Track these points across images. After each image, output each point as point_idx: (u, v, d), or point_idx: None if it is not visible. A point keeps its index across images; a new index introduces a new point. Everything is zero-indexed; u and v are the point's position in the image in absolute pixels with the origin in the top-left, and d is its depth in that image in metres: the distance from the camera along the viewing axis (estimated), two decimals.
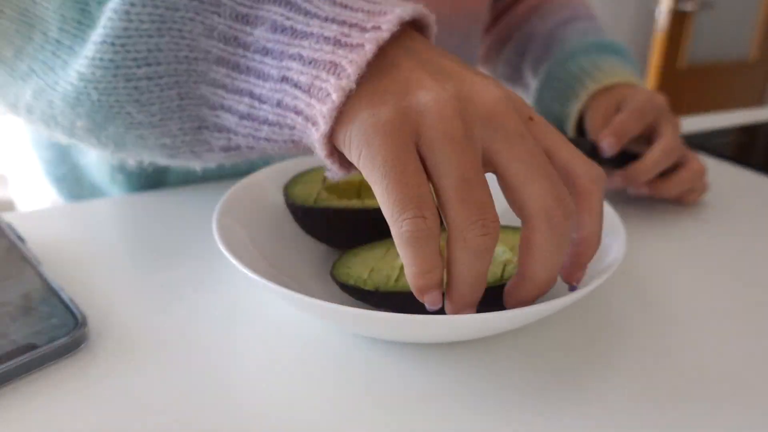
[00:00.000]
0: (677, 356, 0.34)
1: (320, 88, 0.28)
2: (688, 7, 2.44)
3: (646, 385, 0.32)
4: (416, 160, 0.27)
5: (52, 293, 0.36)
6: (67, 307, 0.34)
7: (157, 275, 0.40)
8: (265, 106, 0.30)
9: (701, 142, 0.70)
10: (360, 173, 0.29)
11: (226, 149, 0.33)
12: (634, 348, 0.35)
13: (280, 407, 0.30)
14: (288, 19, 0.28)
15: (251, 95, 0.30)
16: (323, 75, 0.28)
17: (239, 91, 0.30)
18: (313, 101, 0.28)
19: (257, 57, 0.29)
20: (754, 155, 0.68)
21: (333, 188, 0.42)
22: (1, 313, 0.34)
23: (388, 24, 0.28)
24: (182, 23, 0.29)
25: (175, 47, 0.30)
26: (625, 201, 0.53)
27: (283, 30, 0.29)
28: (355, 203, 0.39)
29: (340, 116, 0.28)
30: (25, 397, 0.30)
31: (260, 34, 0.29)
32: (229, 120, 0.31)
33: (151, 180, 0.55)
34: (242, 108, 0.30)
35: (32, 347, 0.31)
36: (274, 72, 0.29)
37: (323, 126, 0.28)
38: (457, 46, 0.60)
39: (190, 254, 0.43)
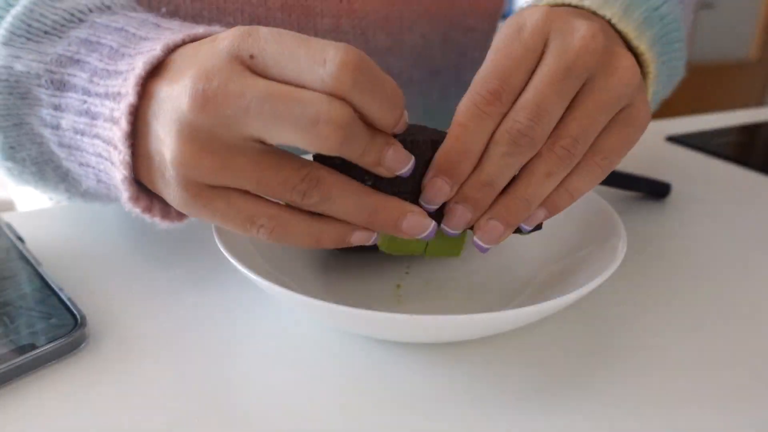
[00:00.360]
0: (677, 356, 0.34)
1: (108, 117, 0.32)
2: None
3: (646, 385, 0.32)
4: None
5: (51, 293, 0.36)
6: (67, 307, 0.34)
7: (157, 275, 0.40)
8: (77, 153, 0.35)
9: (701, 142, 0.70)
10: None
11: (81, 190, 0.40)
12: (633, 348, 0.35)
13: (280, 407, 0.30)
14: (83, 102, 0.33)
15: (74, 151, 0.36)
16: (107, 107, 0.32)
17: (76, 158, 0.36)
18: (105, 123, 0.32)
19: (72, 135, 0.35)
20: (754, 155, 0.68)
21: None
22: (1, 314, 0.34)
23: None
24: (26, 118, 0.36)
25: (30, 137, 0.37)
26: (625, 200, 0.53)
27: (79, 112, 0.34)
28: None
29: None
30: (25, 397, 0.30)
31: (69, 117, 0.34)
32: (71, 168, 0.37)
33: None
34: (69, 160, 0.36)
35: (32, 347, 0.31)
36: (87, 144, 0.34)
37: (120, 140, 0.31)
38: (477, 42, 0.60)
39: (190, 254, 0.43)
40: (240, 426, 0.29)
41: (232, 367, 0.32)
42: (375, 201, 0.30)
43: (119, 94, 0.31)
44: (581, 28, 0.31)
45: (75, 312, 0.34)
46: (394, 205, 0.30)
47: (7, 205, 0.79)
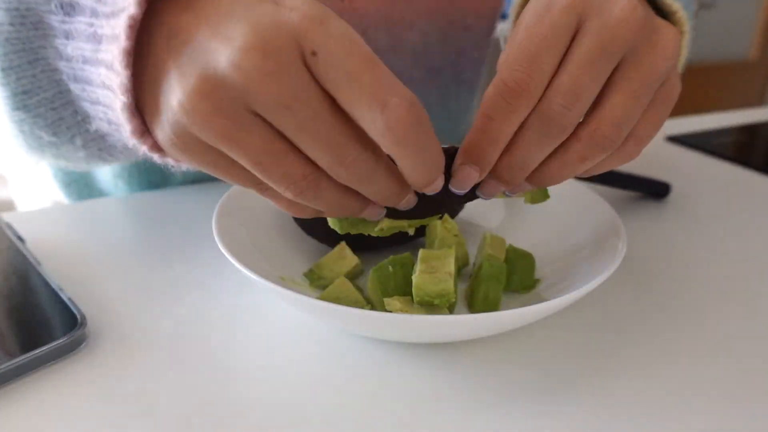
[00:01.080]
0: (676, 356, 0.34)
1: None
2: None
3: (646, 385, 0.32)
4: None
5: (51, 293, 0.35)
6: (67, 307, 0.34)
7: (157, 275, 0.40)
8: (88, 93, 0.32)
9: (701, 142, 0.70)
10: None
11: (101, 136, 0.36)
12: (633, 348, 0.35)
13: (280, 407, 0.30)
14: (90, 26, 0.30)
15: (91, 89, 0.32)
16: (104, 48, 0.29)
17: (87, 94, 0.33)
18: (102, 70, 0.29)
19: (81, 66, 0.32)
20: (754, 155, 0.68)
21: None
22: (1, 313, 0.34)
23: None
24: (42, 53, 0.33)
25: (48, 74, 0.34)
26: (625, 200, 0.53)
27: (87, 37, 0.31)
28: None
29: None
30: (25, 397, 0.30)
31: (78, 44, 0.31)
32: (89, 109, 0.34)
33: (152, 187, 0.56)
34: (95, 110, 0.33)
35: (32, 347, 0.31)
36: (94, 74, 0.31)
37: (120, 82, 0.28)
38: (476, 41, 0.60)
39: (190, 254, 0.43)
40: (239, 425, 0.29)
41: (232, 367, 0.32)
42: (354, 209, 0.30)
43: (123, 9, 0.27)
44: (617, 3, 0.28)
45: (75, 312, 0.34)
46: (357, 206, 0.30)
47: (7, 205, 0.79)
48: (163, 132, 0.27)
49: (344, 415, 0.29)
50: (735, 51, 2.71)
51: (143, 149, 0.29)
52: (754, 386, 0.32)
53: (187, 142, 0.27)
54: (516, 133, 0.29)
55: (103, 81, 0.30)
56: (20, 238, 0.42)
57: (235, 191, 0.40)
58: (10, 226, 0.43)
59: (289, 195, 0.28)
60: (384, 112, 0.24)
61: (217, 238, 0.34)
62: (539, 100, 0.28)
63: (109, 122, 0.32)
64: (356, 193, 0.29)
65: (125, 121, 0.28)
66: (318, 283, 0.38)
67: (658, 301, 0.39)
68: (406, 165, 0.27)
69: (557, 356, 0.34)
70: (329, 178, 0.28)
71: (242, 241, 0.37)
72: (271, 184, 0.28)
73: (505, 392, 0.31)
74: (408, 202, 0.30)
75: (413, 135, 0.25)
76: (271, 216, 0.42)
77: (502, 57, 0.29)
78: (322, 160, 0.26)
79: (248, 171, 0.28)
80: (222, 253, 0.33)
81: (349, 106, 0.25)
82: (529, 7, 0.30)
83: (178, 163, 0.31)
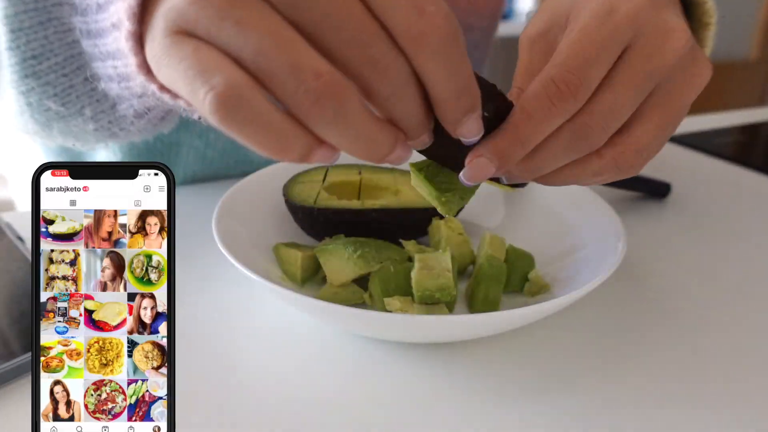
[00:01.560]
0: (676, 356, 0.34)
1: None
2: None
3: (646, 384, 0.32)
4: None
5: None
6: None
7: None
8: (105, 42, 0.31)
9: (701, 142, 0.70)
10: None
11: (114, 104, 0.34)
12: (633, 348, 0.35)
13: (280, 406, 0.30)
14: None
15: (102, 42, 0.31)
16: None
17: (99, 49, 0.32)
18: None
19: (95, 16, 0.31)
20: (754, 155, 0.68)
21: (333, 188, 0.42)
22: (1, 313, 0.34)
23: None
24: (56, 11, 0.32)
25: (59, 36, 0.33)
26: (625, 200, 0.53)
27: None
28: (354, 203, 0.39)
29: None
30: (25, 397, 0.30)
31: None
32: (99, 68, 0.33)
33: None
34: (107, 65, 0.32)
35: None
36: (106, 20, 0.30)
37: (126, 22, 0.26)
38: (476, 41, 0.60)
39: (190, 254, 0.43)
40: (239, 424, 0.29)
41: (231, 367, 0.32)
42: (384, 146, 0.25)
43: None
44: (674, 32, 0.29)
45: None
46: (389, 142, 0.25)
47: (7, 205, 0.79)
48: (157, 33, 0.25)
49: (344, 415, 0.29)
50: (735, 51, 2.71)
51: (152, 88, 0.27)
52: (755, 386, 0.32)
53: (178, 35, 0.24)
54: (543, 140, 0.28)
55: (113, 22, 0.29)
56: (20, 238, 0.42)
57: (235, 191, 0.40)
58: (10, 226, 0.43)
59: (302, 100, 0.23)
60: (422, 17, 0.23)
61: (217, 238, 0.34)
62: (579, 113, 0.28)
63: (120, 78, 0.31)
64: (386, 124, 0.25)
65: (130, 53, 0.27)
66: None
67: (658, 301, 0.39)
68: (439, 80, 0.24)
69: (557, 356, 0.34)
70: (354, 88, 0.24)
71: (242, 241, 0.37)
72: (275, 85, 0.23)
73: (505, 392, 0.31)
74: (422, 141, 0.26)
75: (449, 45, 0.23)
76: (271, 216, 0.42)
77: (557, 51, 0.28)
78: (352, 61, 0.23)
79: (230, 61, 0.23)
80: (222, 253, 0.33)
81: (384, 9, 0.23)
82: (589, 4, 0.29)
83: (190, 107, 0.28)
